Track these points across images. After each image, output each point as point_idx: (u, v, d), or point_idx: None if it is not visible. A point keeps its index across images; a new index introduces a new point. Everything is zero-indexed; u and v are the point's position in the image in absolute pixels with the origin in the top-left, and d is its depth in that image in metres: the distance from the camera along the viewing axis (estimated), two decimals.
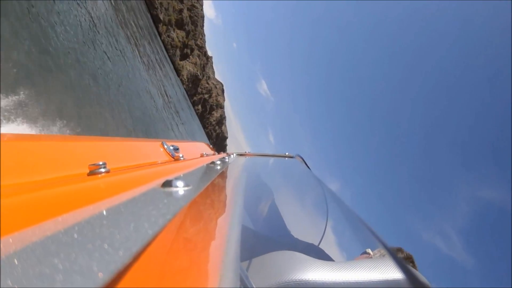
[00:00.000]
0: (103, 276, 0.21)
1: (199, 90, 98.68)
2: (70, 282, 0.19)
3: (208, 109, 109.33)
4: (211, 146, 3.37)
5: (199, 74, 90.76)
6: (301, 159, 2.77)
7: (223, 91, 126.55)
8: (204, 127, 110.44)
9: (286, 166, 2.92)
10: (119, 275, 0.22)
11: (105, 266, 0.22)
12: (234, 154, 2.48)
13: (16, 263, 0.20)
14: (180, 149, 1.66)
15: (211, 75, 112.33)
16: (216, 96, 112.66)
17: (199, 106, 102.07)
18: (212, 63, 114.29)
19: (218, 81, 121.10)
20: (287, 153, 2.98)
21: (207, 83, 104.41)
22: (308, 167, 2.57)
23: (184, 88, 78.59)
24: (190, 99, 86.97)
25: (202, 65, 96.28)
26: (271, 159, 3.14)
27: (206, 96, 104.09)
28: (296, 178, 2.55)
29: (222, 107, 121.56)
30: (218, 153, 2.76)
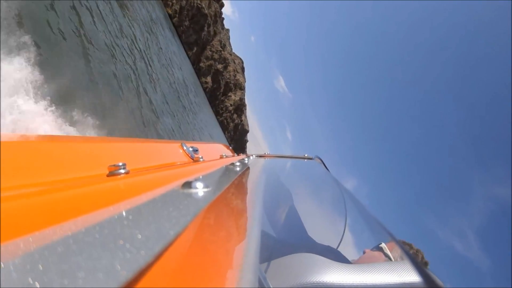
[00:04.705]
0: (125, 274, 0.21)
1: (208, 52, 68.18)
2: (93, 279, 0.20)
3: (222, 87, 79.39)
4: (230, 147, 3.39)
5: (204, 8, 58.62)
6: (320, 161, 2.76)
7: (243, 69, 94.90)
8: (217, 113, 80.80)
9: (305, 168, 2.90)
10: (141, 274, 0.23)
11: (127, 265, 0.23)
12: (254, 156, 2.48)
13: (37, 261, 0.20)
14: (199, 150, 1.67)
15: (228, 47, 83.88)
16: (234, 72, 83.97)
17: (209, 79, 71.74)
18: (229, 36, 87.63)
19: (237, 56, 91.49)
20: (306, 155, 2.96)
21: (221, 48, 74.58)
22: (327, 169, 2.56)
23: (170, 16, 47.75)
24: (184, 47, 54.69)
25: (212, 10, 65.34)
26: (290, 161, 3.13)
27: (219, 66, 74.90)
28: (315, 180, 2.54)
29: (242, 88, 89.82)
30: (238, 154, 2.77)
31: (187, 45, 57.75)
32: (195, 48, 61.49)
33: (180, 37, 52.71)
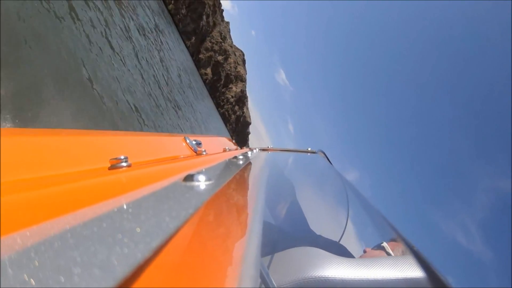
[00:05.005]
0: (122, 270, 0.21)
1: (208, 44, 65.66)
2: (89, 275, 0.19)
3: (223, 79, 77.01)
4: (233, 141, 3.38)
5: None
6: (323, 155, 2.76)
7: (244, 61, 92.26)
8: (218, 105, 78.01)
9: (309, 161, 2.90)
10: (139, 270, 0.22)
11: (125, 260, 0.22)
12: (257, 149, 2.48)
13: (33, 256, 0.20)
14: (202, 144, 1.67)
15: (229, 39, 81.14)
16: (235, 64, 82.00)
17: (208, 70, 69.22)
18: (229, 29, 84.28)
19: (238, 48, 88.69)
20: (309, 149, 2.96)
21: (222, 40, 71.99)
22: (330, 162, 2.55)
23: (165, 2, 43.48)
24: (182, 37, 49.96)
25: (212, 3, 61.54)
26: (294, 155, 3.13)
27: (220, 58, 72.80)
28: (318, 174, 2.54)
29: (243, 80, 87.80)
30: (241, 148, 2.77)
31: (184, 35, 54.37)
32: (193, 38, 58.40)
33: (177, 26, 49.32)
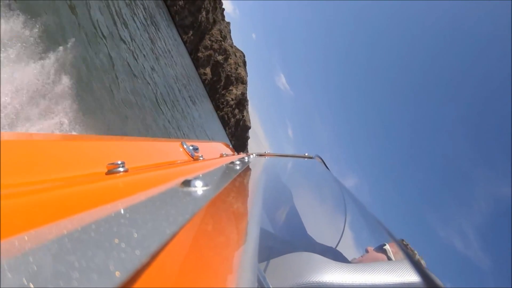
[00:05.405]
0: (120, 275, 0.21)
1: (207, 42, 62.27)
2: (87, 280, 0.19)
3: (223, 80, 73.67)
4: (231, 146, 3.39)
5: None
6: (320, 160, 2.76)
7: (244, 63, 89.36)
8: (218, 108, 75.21)
9: (306, 167, 2.90)
10: (136, 274, 0.22)
11: (122, 265, 0.22)
12: (254, 155, 2.48)
13: (32, 260, 0.20)
14: (199, 149, 1.67)
15: (229, 39, 78.27)
16: (235, 65, 79.47)
17: (208, 70, 65.67)
18: (230, 30, 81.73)
19: (238, 49, 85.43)
20: (306, 154, 2.96)
21: (222, 39, 68.54)
22: (327, 168, 2.56)
23: None
24: (178, 31, 47.12)
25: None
26: (291, 160, 3.13)
27: (219, 57, 69.84)
28: (315, 180, 2.54)
29: (244, 82, 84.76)
30: (238, 153, 2.77)
31: (181, 28, 50.54)
32: (190, 32, 54.53)
33: (173, 18, 45.78)
